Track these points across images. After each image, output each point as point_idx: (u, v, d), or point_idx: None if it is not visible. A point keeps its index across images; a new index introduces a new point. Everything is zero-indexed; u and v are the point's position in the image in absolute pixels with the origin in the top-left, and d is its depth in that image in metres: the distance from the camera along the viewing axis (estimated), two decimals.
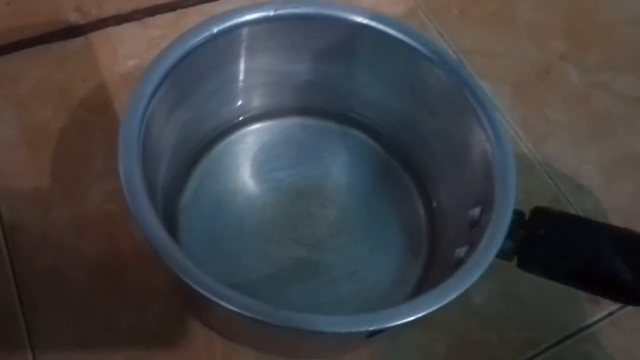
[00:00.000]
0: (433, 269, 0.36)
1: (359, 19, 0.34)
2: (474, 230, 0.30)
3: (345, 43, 0.35)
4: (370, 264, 0.37)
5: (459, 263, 0.28)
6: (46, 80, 0.42)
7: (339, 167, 0.40)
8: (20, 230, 0.37)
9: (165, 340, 0.35)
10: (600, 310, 0.39)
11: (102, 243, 0.37)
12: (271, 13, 0.32)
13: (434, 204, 0.38)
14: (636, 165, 0.45)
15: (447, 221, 0.36)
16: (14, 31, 0.43)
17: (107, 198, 0.38)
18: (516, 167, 0.30)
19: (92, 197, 0.38)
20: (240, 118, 0.40)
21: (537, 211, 0.29)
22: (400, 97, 0.37)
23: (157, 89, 0.29)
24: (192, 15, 0.45)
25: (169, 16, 0.45)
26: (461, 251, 0.30)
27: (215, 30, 0.31)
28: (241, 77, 0.37)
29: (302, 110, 0.41)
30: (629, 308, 0.39)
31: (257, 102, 0.39)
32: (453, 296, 0.26)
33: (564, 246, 0.27)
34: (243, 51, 0.34)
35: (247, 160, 0.39)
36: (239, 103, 0.39)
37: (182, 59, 0.31)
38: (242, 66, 0.36)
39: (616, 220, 0.42)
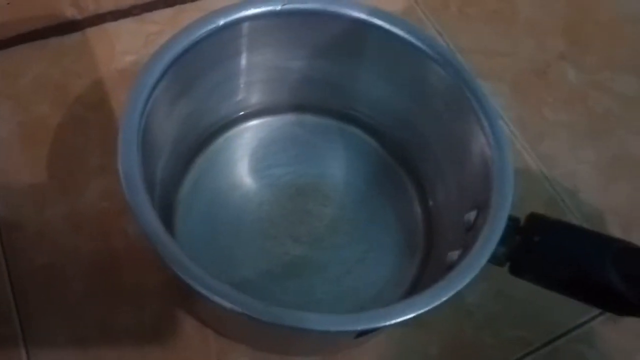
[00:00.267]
0: (428, 270, 0.36)
1: (363, 17, 0.33)
2: (469, 234, 0.30)
3: (348, 40, 0.35)
4: (366, 263, 0.37)
5: (451, 266, 0.29)
6: (43, 76, 0.42)
7: (337, 165, 0.40)
8: (15, 228, 0.37)
9: (160, 338, 0.35)
10: (593, 310, 0.39)
11: (98, 241, 0.37)
12: (278, 7, 0.32)
13: (431, 204, 0.38)
14: (634, 166, 0.45)
15: (444, 222, 0.36)
16: (10, 26, 0.42)
17: (103, 195, 0.38)
18: (514, 173, 0.30)
19: (88, 194, 0.38)
20: (240, 113, 0.40)
21: (533, 217, 0.29)
22: (401, 96, 0.37)
23: (158, 81, 0.29)
24: (190, 11, 0.45)
25: (167, 12, 0.45)
26: (454, 254, 0.30)
27: (221, 22, 0.31)
28: (243, 72, 0.36)
29: (302, 107, 0.40)
30: None
31: (257, 97, 0.39)
32: (442, 299, 0.26)
33: (557, 254, 0.27)
34: (246, 46, 0.34)
35: (245, 156, 0.39)
36: (240, 98, 0.38)
37: (185, 51, 0.30)
38: (244, 61, 0.35)
39: (613, 220, 0.43)
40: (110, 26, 0.44)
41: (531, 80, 0.48)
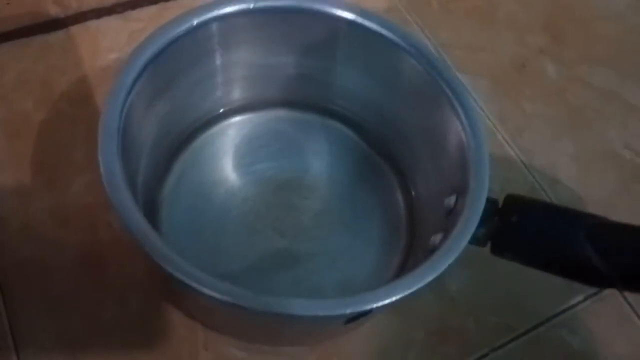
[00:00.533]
0: (412, 257, 0.36)
1: (339, 13, 0.34)
2: (450, 218, 0.31)
3: (325, 36, 0.35)
4: (351, 253, 0.38)
5: (434, 249, 0.29)
6: (27, 73, 0.42)
7: (320, 159, 0.40)
8: (0, 221, 0.37)
9: (147, 331, 0.35)
10: (575, 296, 0.40)
11: (83, 235, 0.37)
12: (251, 6, 0.33)
13: (413, 194, 0.39)
14: (611, 158, 0.46)
15: (425, 210, 0.37)
16: None
17: (89, 190, 0.38)
18: (490, 157, 0.31)
19: (73, 188, 0.38)
20: (222, 110, 0.40)
21: (510, 199, 0.30)
22: (379, 90, 0.38)
23: (137, 79, 0.30)
24: (174, 9, 0.46)
25: (151, 9, 0.46)
26: (436, 238, 0.31)
27: (195, 22, 0.32)
28: (222, 69, 0.37)
29: (284, 103, 0.41)
30: (603, 294, 0.40)
31: (238, 94, 0.40)
32: (427, 280, 0.26)
33: (536, 232, 0.28)
34: (223, 43, 0.35)
35: (228, 153, 0.40)
36: (220, 95, 0.39)
37: (162, 50, 0.31)
38: (222, 59, 0.36)
39: (590, 210, 0.43)
40: (94, 24, 0.44)
41: (511, 74, 0.49)
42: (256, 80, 0.39)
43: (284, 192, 0.39)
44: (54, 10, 0.44)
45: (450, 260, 0.27)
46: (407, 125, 0.38)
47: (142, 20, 0.45)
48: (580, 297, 0.40)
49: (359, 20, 0.34)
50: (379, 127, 0.40)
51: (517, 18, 0.51)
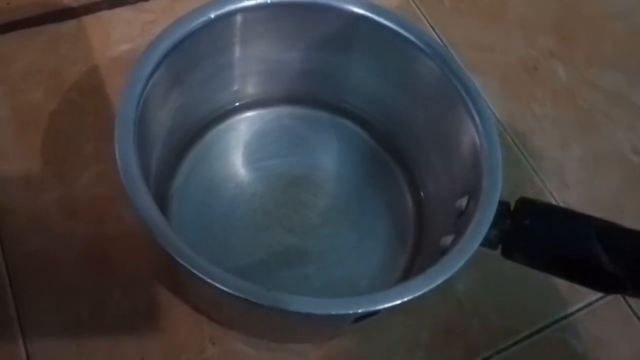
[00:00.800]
0: (420, 257, 0.36)
1: (355, 9, 0.34)
2: (461, 219, 0.31)
3: (340, 33, 0.35)
4: (359, 252, 0.38)
5: (445, 251, 0.29)
6: (38, 62, 0.42)
7: (329, 157, 0.40)
8: (10, 213, 0.37)
9: (153, 324, 0.35)
10: (580, 301, 0.40)
11: (92, 227, 0.37)
12: (268, 0, 0.33)
13: (422, 194, 0.39)
14: (620, 162, 0.46)
15: (435, 210, 0.37)
16: (6, 12, 0.42)
17: (98, 181, 0.38)
18: (503, 161, 0.31)
19: (82, 180, 0.38)
20: (234, 105, 0.40)
21: (522, 202, 0.30)
22: (392, 88, 0.38)
23: (153, 72, 0.30)
24: (186, 1, 0.45)
25: (163, 1, 0.45)
26: (447, 239, 0.31)
27: (212, 15, 0.32)
28: (236, 63, 0.37)
29: (295, 100, 0.41)
30: (607, 299, 0.40)
31: (250, 89, 0.40)
32: (439, 281, 0.26)
33: (547, 236, 0.28)
34: (239, 38, 0.35)
35: (239, 148, 0.40)
36: (233, 90, 0.39)
37: (179, 43, 0.31)
38: (237, 53, 0.36)
39: (599, 215, 0.43)
40: (106, 14, 0.44)
41: (521, 76, 0.48)
42: (269, 76, 0.39)
43: (293, 189, 0.39)
44: (66, 0, 0.44)
45: (462, 262, 0.27)
46: (418, 125, 0.37)
47: (155, 11, 0.45)
48: (584, 302, 0.40)
49: (375, 17, 0.34)
50: (390, 126, 0.40)
51: (527, 19, 0.51)
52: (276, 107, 0.41)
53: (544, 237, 0.28)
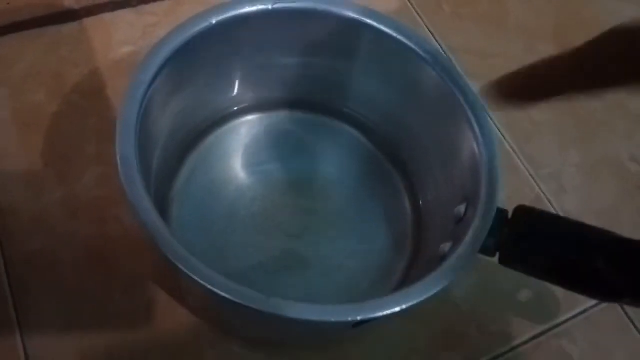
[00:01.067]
0: (418, 263, 0.37)
1: (355, 16, 0.34)
2: (459, 226, 0.31)
3: (340, 39, 0.35)
4: (357, 257, 0.38)
5: (443, 257, 0.29)
6: (39, 64, 0.42)
7: (329, 162, 0.41)
8: (11, 213, 0.37)
9: (153, 326, 0.35)
10: (576, 307, 0.40)
11: (93, 227, 0.37)
12: (269, 6, 0.33)
13: (421, 200, 0.39)
14: (617, 169, 0.46)
15: (433, 217, 0.37)
16: (8, 14, 0.42)
17: (99, 183, 0.38)
18: (502, 168, 0.31)
19: (84, 181, 0.38)
20: (234, 109, 0.40)
21: (520, 210, 0.30)
22: (391, 94, 0.38)
23: (155, 76, 0.30)
24: (188, 4, 0.46)
25: (165, 4, 0.45)
26: (446, 246, 0.31)
27: (214, 21, 0.32)
28: (237, 68, 0.37)
29: (295, 104, 0.41)
30: (604, 305, 0.40)
31: (251, 94, 0.40)
32: (439, 288, 0.27)
33: (544, 244, 0.28)
34: (240, 43, 0.35)
35: (238, 152, 0.40)
36: (233, 94, 0.39)
37: (181, 48, 0.31)
38: (238, 58, 0.36)
39: (596, 222, 0.43)
40: (108, 16, 0.44)
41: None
42: (270, 80, 0.39)
43: (293, 194, 0.39)
44: (68, 2, 0.44)
45: (461, 268, 0.27)
46: (418, 130, 0.38)
47: (156, 14, 0.45)
48: (580, 308, 0.40)
49: (375, 24, 0.35)
50: (390, 132, 0.40)
51: (527, 25, 0.51)
52: (276, 112, 0.41)
53: (541, 245, 0.28)
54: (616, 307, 0.41)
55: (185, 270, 0.26)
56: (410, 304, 0.26)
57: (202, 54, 0.33)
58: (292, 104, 0.41)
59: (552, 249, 0.28)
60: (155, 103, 0.31)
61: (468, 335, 0.38)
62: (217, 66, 0.36)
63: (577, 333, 0.39)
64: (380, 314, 0.26)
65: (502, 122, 0.46)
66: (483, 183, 0.30)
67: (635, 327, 0.40)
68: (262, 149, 0.40)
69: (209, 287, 0.26)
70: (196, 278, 0.26)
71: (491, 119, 0.46)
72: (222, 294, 0.26)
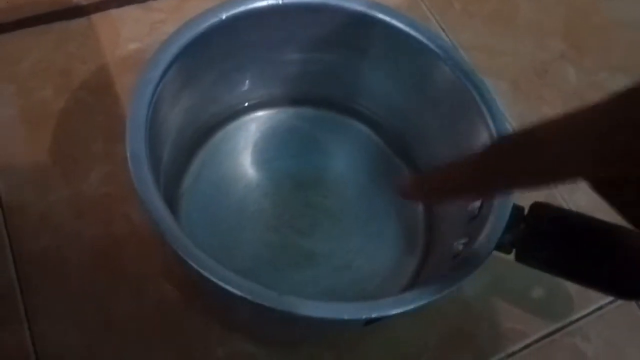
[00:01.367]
0: (429, 261, 0.36)
1: (367, 11, 0.34)
2: (473, 223, 0.30)
3: (351, 34, 0.35)
4: (368, 255, 0.37)
5: (457, 255, 0.29)
6: (47, 60, 0.42)
7: (338, 158, 0.40)
8: (19, 211, 0.36)
9: (161, 324, 0.35)
10: (590, 305, 0.40)
11: (101, 226, 0.37)
12: (279, 1, 0.33)
13: None
14: None
15: (445, 214, 0.37)
16: (15, 10, 0.42)
17: (106, 181, 0.38)
18: None
19: (91, 179, 0.38)
20: (243, 105, 0.40)
21: (536, 206, 0.29)
22: (404, 91, 0.37)
23: (164, 73, 0.29)
24: (195, 1, 0.45)
25: (172, 0, 0.45)
26: (460, 244, 0.30)
27: (223, 16, 0.31)
28: (246, 64, 0.37)
29: (304, 100, 0.41)
30: (618, 303, 0.40)
31: (260, 90, 0.39)
32: (454, 286, 0.26)
33: (561, 240, 0.28)
34: (249, 39, 0.34)
35: (248, 148, 0.40)
36: (242, 90, 0.39)
37: (190, 44, 0.31)
38: (247, 54, 0.36)
39: (607, 218, 0.43)
40: (115, 12, 0.44)
41: (531, 79, 0.48)
42: (279, 76, 0.39)
43: (302, 190, 0.39)
44: None
45: (477, 266, 0.27)
46: (430, 127, 0.37)
47: (164, 10, 0.44)
48: (594, 306, 0.40)
49: (387, 19, 0.34)
50: (400, 127, 0.40)
51: (537, 23, 0.51)
52: (286, 108, 0.41)
53: (558, 242, 0.28)
54: (631, 304, 0.40)
55: (196, 267, 0.25)
56: (424, 302, 0.26)
57: (212, 50, 0.33)
58: (302, 100, 0.41)
59: (569, 245, 0.28)
60: (164, 100, 0.31)
61: (480, 333, 0.38)
62: (227, 62, 0.35)
63: (591, 331, 0.39)
64: (394, 311, 0.26)
65: (514, 119, 0.46)
66: None
67: None
68: (272, 145, 0.40)
69: (220, 283, 0.25)
70: (208, 275, 0.25)
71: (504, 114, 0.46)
72: (234, 291, 0.25)
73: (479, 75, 0.33)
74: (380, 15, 0.34)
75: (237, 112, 0.39)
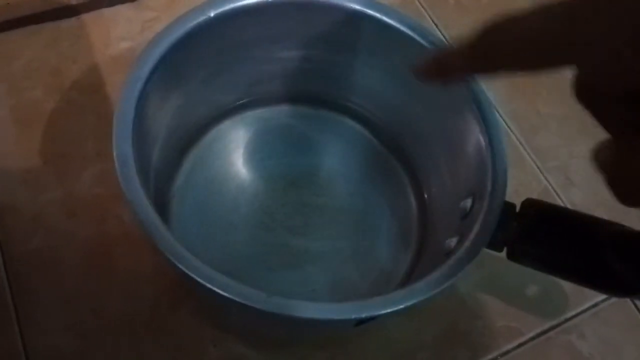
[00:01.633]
0: (423, 259, 0.36)
1: (358, 7, 0.33)
2: (465, 221, 0.30)
3: (342, 31, 0.35)
4: (361, 253, 0.37)
5: (449, 253, 0.29)
6: (38, 60, 0.41)
7: (332, 156, 0.40)
8: (10, 212, 0.36)
9: (154, 325, 0.35)
10: (585, 302, 0.40)
11: (93, 226, 0.37)
12: None
13: (426, 194, 0.38)
14: None
15: (438, 212, 0.36)
16: (6, 10, 0.42)
17: (98, 181, 0.38)
18: (508, 162, 0.30)
19: (83, 179, 0.38)
20: (235, 104, 0.39)
21: (528, 203, 0.29)
22: (396, 88, 0.37)
23: (153, 71, 0.29)
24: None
25: None
26: (452, 241, 0.30)
27: (212, 14, 0.31)
28: (236, 62, 0.36)
29: (297, 98, 0.40)
30: (613, 300, 0.40)
31: (251, 88, 0.39)
32: (444, 285, 0.26)
33: (554, 238, 0.28)
34: (239, 36, 0.34)
35: (239, 147, 0.39)
36: (234, 88, 0.38)
37: (179, 42, 0.30)
38: (237, 52, 0.35)
39: (604, 215, 0.43)
40: (106, 12, 0.44)
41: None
42: (270, 74, 0.38)
43: (295, 189, 0.39)
44: None
45: (467, 264, 0.26)
46: (423, 125, 0.37)
47: (155, 9, 0.44)
48: (589, 303, 0.40)
49: (379, 16, 0.34)
50: (394, 125, 0.40)
51: None
52: (278, 106, 0.41)
53: (550, 239, 0.28)
54: (626, 301, 0.40)
55: (184, 269, 0.25)
56: (415, 301, 0.26)
57: (201, 48, 0.32)
58: (294, 98, 0.40)
59: (561, 243, 0.27)
60: (153, 99, 0.30)
61: (474, 331, 0.38)
62: (216, 60, 0.35)
63: (586, 328, 0.39)
64: (384, 311, 0.25)
65: (508, 114, 0.46)
66: (489, 176, 0.30)
67: None
68: (264, 144, 0.40)
69: (209, 285, 0.25)
70: (195, 277, 0.25)
71: (497, 111, 0.45)
72: (222, 292, 0.25)
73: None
74: (371, 12, 0.33)
75: (228, 111, 0.39)
